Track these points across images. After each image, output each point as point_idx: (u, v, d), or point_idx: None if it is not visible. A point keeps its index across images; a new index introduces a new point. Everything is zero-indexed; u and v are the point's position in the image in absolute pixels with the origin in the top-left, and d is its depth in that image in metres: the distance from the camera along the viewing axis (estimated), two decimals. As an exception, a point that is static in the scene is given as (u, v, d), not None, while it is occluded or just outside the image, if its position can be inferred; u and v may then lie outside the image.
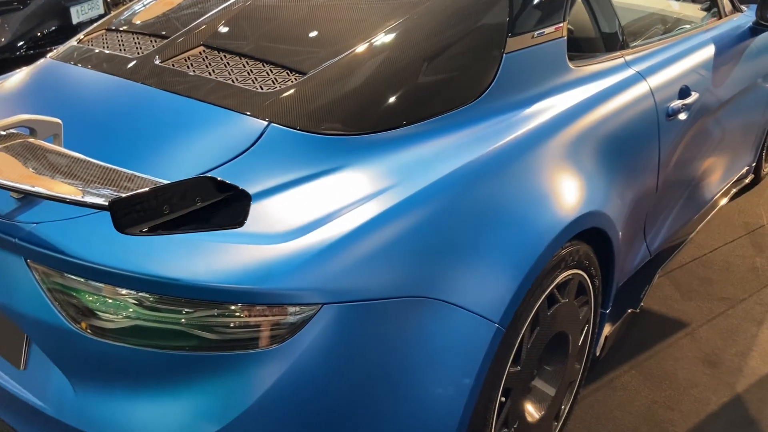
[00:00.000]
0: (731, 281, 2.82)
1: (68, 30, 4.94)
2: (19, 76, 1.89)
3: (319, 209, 1.32)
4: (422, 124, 1.55)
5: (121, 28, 1.97)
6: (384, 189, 1.38)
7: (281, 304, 1.20)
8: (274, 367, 1.21)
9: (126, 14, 2.10)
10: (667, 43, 2.34)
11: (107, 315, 1.23)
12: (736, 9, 2.88)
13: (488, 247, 1.43)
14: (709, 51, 2.47)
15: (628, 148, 1.95)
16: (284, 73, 1.60)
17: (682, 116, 2.21)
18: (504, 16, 1.75)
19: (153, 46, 1.79)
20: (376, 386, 1.30)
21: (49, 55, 1.97)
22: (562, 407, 1.89)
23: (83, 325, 1.25)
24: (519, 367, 1.56)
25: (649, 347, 2.41)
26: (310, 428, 1.26)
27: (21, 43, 4.73)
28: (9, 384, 1.39)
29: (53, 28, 4.92)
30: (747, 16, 2.87)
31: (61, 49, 1.98)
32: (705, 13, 2.81)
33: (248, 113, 1.49)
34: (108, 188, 1.13)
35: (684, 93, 2.21)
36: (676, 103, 2.17)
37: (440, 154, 1.50)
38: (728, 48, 2.62)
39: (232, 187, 1.05)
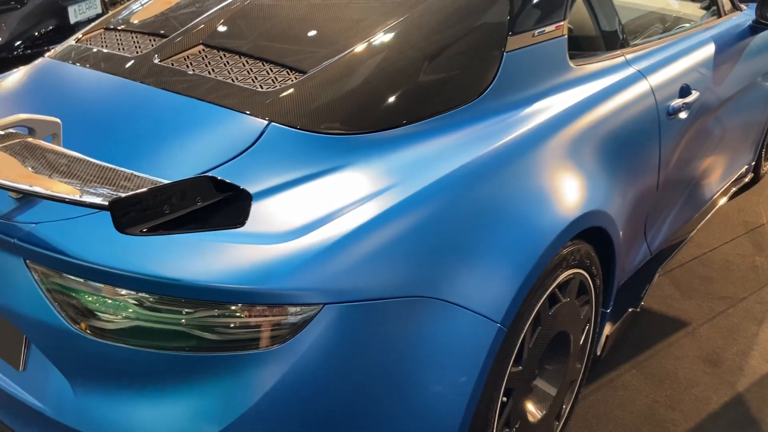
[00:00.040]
0: (731, 280, 2.82)
1: (66, 29, 4.92)
2: (17, 75, 1.88)
3: (320, 209, 1.31)
4: (423, 123, 1.54)
5: (119, 27, 1.96)
6: (385, 188, 1.37)
7: (282, 304, 1.19)
8: (276, 367, 1.20)
9: (124, 13, 2.09)
10: (667, 42, 2.33)
11: (107, 315, 1.22)
12: (735, 7, 2.88)
13: (490, 247, 1.43)
14: (710, 49, 2.47)
15: (630, 147, 1.95)
16: (284, 72, 1.59)
17: (683, 115, 2.21)
18: (504, 15, 1.75)
19: (152, 45, 1.78)
20: (377, 387, 1.29)
21: (47, 54, 1.96)
22: (563, 407, 1.89)
23: (83, 325, 1.24)
24: (520, 367, 1.55)
25: (650, 346, 2.41)
26: (311, 429, 1.26)
27: (18, 42, 4.71)
28: (8, 385, 1.38)
29: (51, 27, 4.90)
30: (746, 15, 2.86)
31: (60, 48, 1.97)
32: (704, 11, 2.80)
33: (248, 112, 1.48)
34: (107, 188, 1.12)
35: (684, 92, 2.21)
36: (677, 102, 2.16)
37: (441, 154, 1.50)
38: (728, 46, 2.62)
39: (233, 187, 1.04)
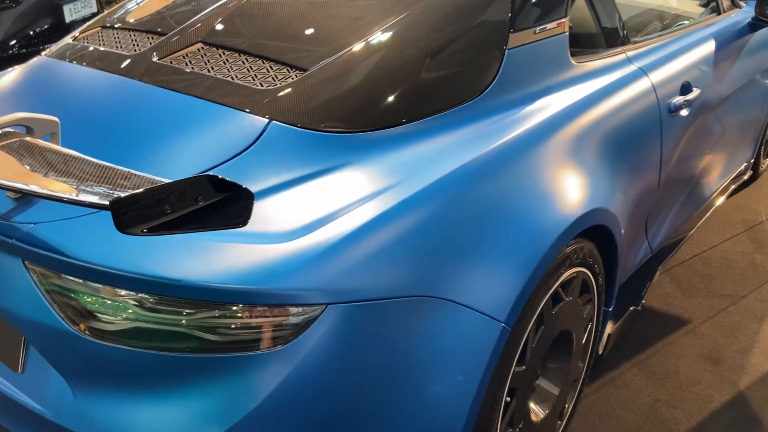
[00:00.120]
0: (731, 278, 2.81)
1: (61, 28, 4.90)
2: (14, 74, 1.86)
3: (322, 208, 1.30)
4: (425, 121, 1.53)
5: (117, 25, 1.94)
6: (387, 187, 1.36)
7: (284, 305, 1.18)
8: (279, 368, 1.19)
9: (122, 11, 2.07)
10: (668, 39, 2.32)
11: (106, 317, 1.21)
12: (734, 5, 2.87)
13: (493, 245, 1.42)
14: (710, 47, 2.46)
15: (632, 145, 1.94)
16: (284, 70, 1.57)
17: (684, 112, 2.20)
18: (506, 12, 1.73)
19: (150, 43, 1.76)
20: (381, 387, 1.28)
21: (44, 52, 1.94)
22: (566, 406, 1.88)
23: (82, 327, 1.22)
24: (524, 367, 1.54)
25: (651, 345, 2.40)
26: (314, 430, 1.24)
27: (13, 41, 4.69)
28: (7, 388, 1.37)
29: (46, 26, 4.88)
30: (746, 12, 2.86)
31: (56, 46, 1.95)
32: (704, 8, 2.80)
33: (248, 110, 1.47)
34: (106, 186, 1.10)
35: (685, 89, 2.20)
36: (678, 99, 2.15)
37: (443, 152, 1.48)
38: (728, 44, 2.61)
39: (235, 186, 1.03)
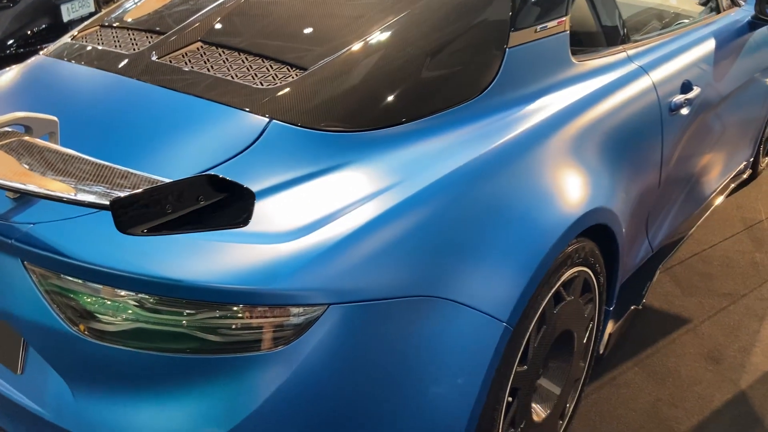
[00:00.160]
0: (731, 277, 2.81)
1: (58, 28, 4.89)
2: (12, 73, 1.85)
3: (323, 207, 1.29)
4: (426, 120, 1.52)
5: (115, 24, 1.93)
6: (387, 187, 1.35)
7: (286, 305, 1.17)
8: (280, 369, 1.18)
9: (120, 10, 2.06)
10: (668, 38, 2.32)
11: (106, 317, 1.20)
12: (734, 3, 2.87)
13: (494, 245, 1.41)
14: (710, 45, 2.46)
15: (633, 144, 1.93)
16: (284, 69, 1.57)
17: (684, 111, 2.19)
18: (506, 11, 1.73)
19: (149, 42, 1.75)
20: (383, 388, 1.27)
21: (42, 52, 1.93)
22: (567, 405, 1.88)
23: (82, 327, 1.22)
24: (526, 367, 1.54)
25: (652, 344, 2.40)
26: (316, 431, 1.23)
27: (11, 41, 4.68)
28: (6, 389, 1.36)
29: (43, 26, 4.87)
30: (745, 10, 2.85)
31: (55, 45, 1.94)
32: (703, 7, 2.79)
33: (248, 110, 1.46)
34: (104, 186, 1.10)
35: (686, 88, 2.20)
36: (679, 98, 2.15)
37: (444, 151, 1.48)
38: (728, 42, 2.61)
39: (236, 186, 1.02)
